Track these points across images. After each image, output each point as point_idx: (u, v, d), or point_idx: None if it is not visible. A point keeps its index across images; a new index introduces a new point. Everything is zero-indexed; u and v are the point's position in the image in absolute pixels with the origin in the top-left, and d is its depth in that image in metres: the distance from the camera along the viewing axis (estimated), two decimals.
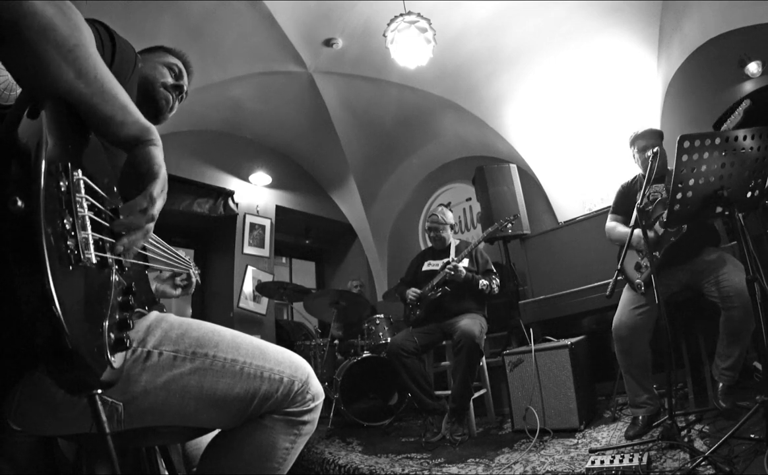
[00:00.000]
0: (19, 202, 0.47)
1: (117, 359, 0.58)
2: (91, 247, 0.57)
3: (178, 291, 1.16)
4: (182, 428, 0.85)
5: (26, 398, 0.65)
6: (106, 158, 0.69)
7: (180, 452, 1.12)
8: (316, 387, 0.93)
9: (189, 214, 4.29)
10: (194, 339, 0.80)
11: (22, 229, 0.47)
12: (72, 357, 0.49)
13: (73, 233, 0.54)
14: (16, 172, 0.50)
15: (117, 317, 0.61)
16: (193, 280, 1.19)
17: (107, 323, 0.58)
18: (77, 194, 0.57)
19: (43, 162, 0.50)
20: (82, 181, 0.58)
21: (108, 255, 0.62)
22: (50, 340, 0.48)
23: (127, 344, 0.59)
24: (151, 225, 0.68)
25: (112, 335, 0.58)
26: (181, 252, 1.14)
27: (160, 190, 0.68)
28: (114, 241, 0.64)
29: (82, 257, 0.54)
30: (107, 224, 0.63)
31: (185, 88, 1.16)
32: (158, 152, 0.69)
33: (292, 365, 0.89)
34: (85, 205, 0.58)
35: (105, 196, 0.64)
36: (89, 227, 0.57)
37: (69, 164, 0.56)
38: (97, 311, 0.57)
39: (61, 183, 0.54)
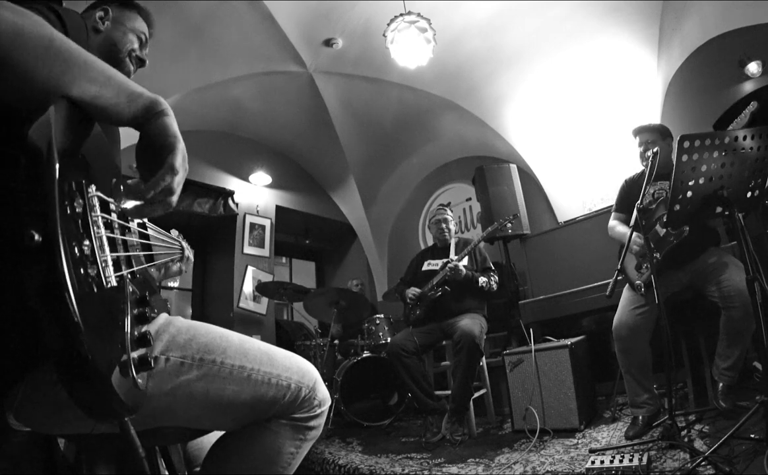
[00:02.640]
0: (36, 236, 0.44)
1: (142, 379, 0.56)
2: (111, 268, 0.55)
3: (177, 267, 1.16)
4: (184, 429, 0.85)
5: (29, 397, 0.65)
6: (111, 151, 0.68)
7: (180, 452, 1.12)
8: (323, 393, 0.92)
9: (189, 214, 4.29)
10: (202, 344, 0.79)
11: (42, 263, 0.45)
12: (102, 385, 0.48)
13: (93, 258, 0.51)
14: (27, 202, 0.46)
15: (136, 333, 0.59)
16: (187, 254, 1.17)
17: (128, 342, 0.55)
18: (93, 214, 0.54)
19: (57, 188, 0.46)
20: (96, 198, 0.55)
21: (124, 271, 0.59)
22: (79, 372, 0.46)
23: (152, 364, 0.57)
24: (174, 198, 0.66)
25: (135, 355, 0.56)
26: (174, 233, 1.13)
27: (181, 160, 0.65)
28: (127, 253, 0.62)
29: (104, 282, 0.52)
30: (119, 236, 0.61)
31: (146, 62, 1.10)
32: (172, 122, 0.65)
33: (300, 370, 0.89)
34: (101, 223, 0.55)
35: (114, 202, 0.62)
36: (107, 248, 0.55)
37: (83, 182, 0.53)
38: (117, 331, 0.55)
39: (76, 204, 0.51)
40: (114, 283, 0.54)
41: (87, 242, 0.51)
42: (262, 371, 0.83)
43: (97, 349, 0.47)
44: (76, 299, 0.45)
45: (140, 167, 0.67)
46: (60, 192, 0.47)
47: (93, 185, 0.55)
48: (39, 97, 0.52)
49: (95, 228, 0.53)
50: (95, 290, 0.50)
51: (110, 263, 0.55)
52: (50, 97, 0.52)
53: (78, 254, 0.48)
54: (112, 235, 0.58)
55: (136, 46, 1.05)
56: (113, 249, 0.58)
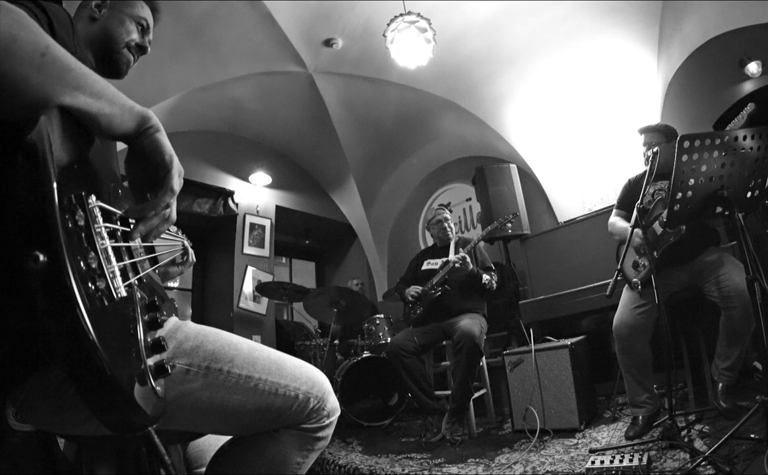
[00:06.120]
0: (41, 257, 0.42)
1: (160, 387, 0.55)
2: (119, 278, 0.54)
3: (180, 269, 1.15)
4: (185, 431, 0.84)
5: (34, 396, 0.64)
6: (106, 154, 0.67)
7: (180, 452, 1.12)
8: (333, 403, 0.91)
9: (189, 214, 4.28)
10: (209, 352, 0.77)
11: (49, 282, 0.43)
12: (124, 400, 0.47)
13: (100, 271, 0.51)
14: (27, 221, 0.44)
15: (149, 339, 0.58)
16: (190, 258, 1.16)
17: (143, 350, 0.54)
18: (95, 225, 0.53)
19: (57, 204, 0.44)
20: (97, 208, 0.54)
21: (132, 279, 0.59)
22: (100, 389, 0.46)
23: (168, 370, 0.56)
24: (173, 216, 0.67)
25: (151, 362, 0.55)
26: (173, 229, 1.12)
27: (178, 179, 0.65)
28: (133, 260, 0.62)
29: (114, 295, 0.51)
30: (124, 243, 0.61)
31: (148, 49, 1.05)
32: (163, 138, 0.64)
33: (309, 380, 0.87)
34: (105, 234, 0.54)
35: (115, 211, 0.62)
36: (113, 258, 0.54)
37: (82, 194, 0.52)
38: (131, 340, 0.54)
39: (77, 217, 0.49)
40: (123, 293, 0.54)
41: (92, 255, 0.50)
42: (269, 381, 0.81)
43: (116, 363, 0.46)
44: (89, 315, 0.44)
45: (131, 179, 0.67)
46: (60, 207, 0.45)
47: (93, 195, 0.54)
48: (30, 107, 0.49)
49: (99, 239, 0.52)
50: (106, 303, 0.49)
51: (117, 273, 0.54)
52: (41, 109, 0.50)
53: (85, 269, 0.47)
54: (116, 244, 0.57)
55: (135, 36, 1.00)
56: (119, 258, 0.57)
